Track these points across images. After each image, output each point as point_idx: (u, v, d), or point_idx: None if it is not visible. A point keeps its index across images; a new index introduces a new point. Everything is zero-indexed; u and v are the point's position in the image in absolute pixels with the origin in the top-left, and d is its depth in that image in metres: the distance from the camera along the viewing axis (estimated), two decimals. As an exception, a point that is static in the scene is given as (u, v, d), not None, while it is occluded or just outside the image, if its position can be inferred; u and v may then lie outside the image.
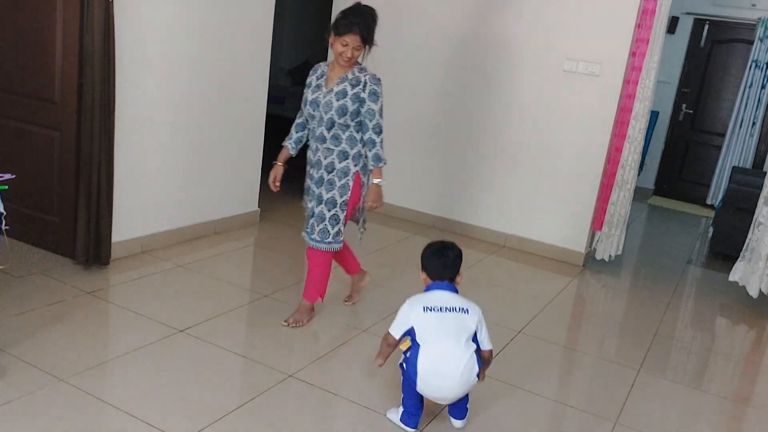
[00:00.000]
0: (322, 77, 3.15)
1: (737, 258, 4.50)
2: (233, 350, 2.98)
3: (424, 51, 5.24)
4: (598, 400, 3.02)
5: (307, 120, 3.21)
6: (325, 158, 3.11)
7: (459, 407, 2.56)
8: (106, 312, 3.23)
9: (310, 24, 8.30)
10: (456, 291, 2.55)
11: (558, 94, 4.78)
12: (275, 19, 4.63)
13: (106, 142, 3.46)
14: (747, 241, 4.43)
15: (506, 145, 5.02)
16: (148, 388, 2.59)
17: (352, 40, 2.95)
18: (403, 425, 2.51)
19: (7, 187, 2.52)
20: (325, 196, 3.11)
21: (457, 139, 5.20)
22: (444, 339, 2.40)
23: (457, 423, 2.58)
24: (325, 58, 5.71)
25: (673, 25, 7.52)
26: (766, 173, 4.90)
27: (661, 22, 4.45)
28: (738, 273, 4.44)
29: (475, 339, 2.48)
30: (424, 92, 5.28)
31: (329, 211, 3.13)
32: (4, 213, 2.53)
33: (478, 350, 2.47)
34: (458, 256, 2.59)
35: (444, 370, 2.37)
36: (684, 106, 7.91)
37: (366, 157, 3.15)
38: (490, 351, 2.55)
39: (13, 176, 2.59)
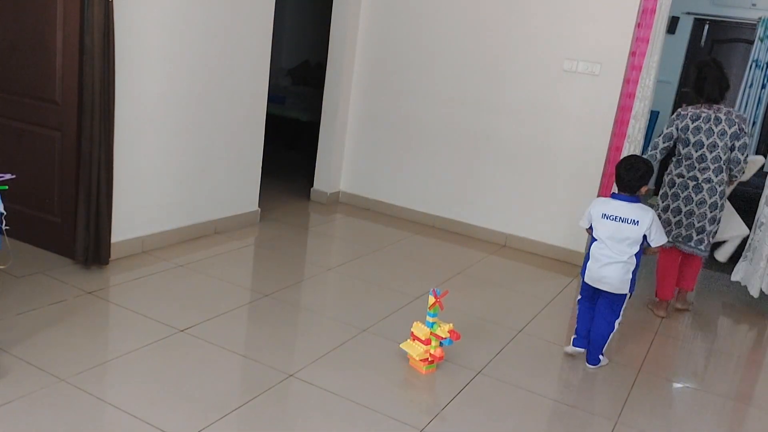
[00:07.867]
0: None
1: (739, 258, 4.50)
2: (233, 350, 2.98)
3: (423, 51, 5.24)
4: (598, 400, 3.02)
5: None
6: None
7: (593, 355, 3.24)
8: (106, 312, 3.23)
9: (310, 24, 8.30)
10: (638, 201, 3.13)
11: (558, 93, 4.77)
12: (275, 19, 4.63)
13: (106, 142, 3.46)
14: (749, 241, 4.43)
15: (506, 145, 5.02)
16: (148, 388, 2.59)
17: None
18: (573, 346, 3.29)
19: (7, 187, 2.52)
20: None
21: (457, 138, 5.20)
22: (609, 240, 3.08)
23: (589, 368, 3.25)
24: (325, 58, 5.76)
25: (673, 24, 7.52)
26: (767, 174, 4.90)
27: (661, 22, 4.45)
28: (740, 273, 4.44)
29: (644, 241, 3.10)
30: (424, 92, 5.27)
31: None
32: (5, 213, 2.53)
33: (640, 252, 3.12)
34: (646, 172, 3.13)
35: (606, 265, 3.08)
36: (684, 105, 7.88)
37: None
38: (659, 247, 3.17)
39: (14, 176, 2.60)
